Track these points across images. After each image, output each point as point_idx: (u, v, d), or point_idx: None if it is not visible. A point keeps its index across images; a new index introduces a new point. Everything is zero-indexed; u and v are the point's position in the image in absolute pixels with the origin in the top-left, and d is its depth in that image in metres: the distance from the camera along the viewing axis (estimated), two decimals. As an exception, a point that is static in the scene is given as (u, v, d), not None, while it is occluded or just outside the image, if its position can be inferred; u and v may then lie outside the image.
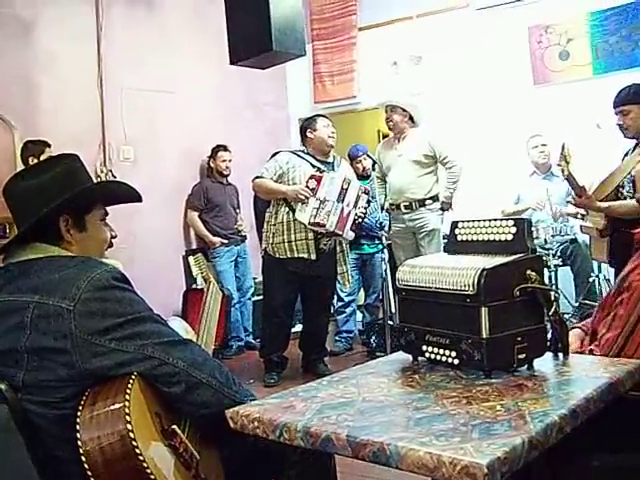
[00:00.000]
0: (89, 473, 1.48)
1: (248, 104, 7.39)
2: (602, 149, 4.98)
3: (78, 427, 1.51)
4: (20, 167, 4.90)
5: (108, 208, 1.92)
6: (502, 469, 1.20)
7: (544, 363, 1.81)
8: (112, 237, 1.94)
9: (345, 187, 4.99)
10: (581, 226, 4.62)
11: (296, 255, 5.01)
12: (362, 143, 6.58)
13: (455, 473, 1.20)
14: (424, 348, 1.86)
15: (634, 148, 4.03)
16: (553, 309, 1.79)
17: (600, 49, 6.14)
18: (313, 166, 5.07)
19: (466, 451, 1.22)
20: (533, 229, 4.67)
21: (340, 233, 5.00)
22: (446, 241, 2.14)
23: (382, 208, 5.53)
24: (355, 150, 6.40)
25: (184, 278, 6.52)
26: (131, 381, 1.57)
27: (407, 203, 5.53)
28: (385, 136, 6.20)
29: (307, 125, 5.21)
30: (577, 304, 5.63)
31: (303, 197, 4.88)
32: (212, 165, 6.59)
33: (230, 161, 6.54)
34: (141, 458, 1.47)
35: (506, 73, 6.51)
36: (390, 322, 5.05)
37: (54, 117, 5.60)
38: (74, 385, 1.57)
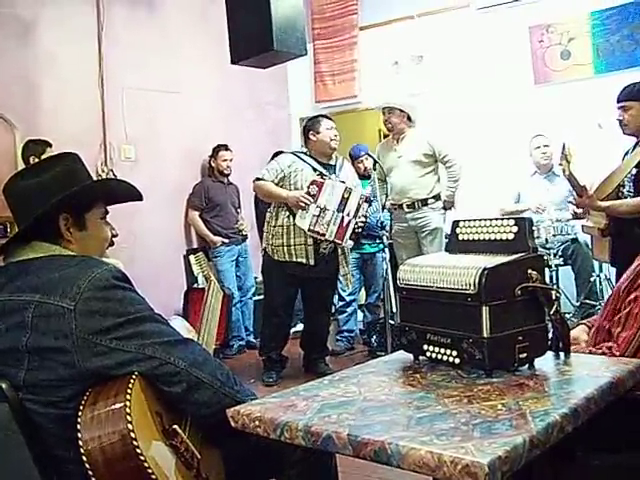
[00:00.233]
0: (90, 473, 1.48)
1: (249, 104, 7.39)
2: (603, 149, 4.98)
3: (79, 426, 1.51)
4: (21, 167, 4.90)
5: (109, 208, 1.91)
6: (503, 468, 1.20)
7: (545, 362, 1.81)
8: (113, 236, 1.93)
9: (346, 196, 4.95)
10: (582, 226, 4.61)
11: (294, 259, 5.00)
12: (363, 143, 6.58)
13: (456, 472, 1.20)
14: (425, 347, 1.86)
15: (634, 147, 4.03)
16: (554, 308, 1.79)
17: (601, 48, 6.13)
18: (315, 170, 5.03)
19: (467, 450, 1.22)
20: (534, 228, 4.68)
21: (339, 242, 5.00)
22: (447, 241, 2.13)
23: (383, 208, 5.52)
24: (357, 150, 6.40)
25: (185, 277, 6.52)
26: (132, 381, 1.57)
27: (410, 203, 5.53)
28: (386, 136, 6.19)
29: (310, 126, 5.16)
30: (578, 304, 5.63)
31: (303, 205, 4.86)
32: (213, 165, 6.59)
33: (231, 160, 6.54)
34: (142, 458, 1.47)
35: (507, 72, 6.51)
36: (391, 321, 5.05)
37: (55, 117, 5.60)
38: (75, 385, 1.57)
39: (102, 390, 1.56)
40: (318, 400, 1.60)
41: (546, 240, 5.41)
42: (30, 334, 1.56)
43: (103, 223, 1.87)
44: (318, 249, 5.00)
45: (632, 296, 2.03)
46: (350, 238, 5.07)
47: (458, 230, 2.01)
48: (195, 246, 6.73)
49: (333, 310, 6.47)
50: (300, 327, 5.94)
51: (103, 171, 5.95)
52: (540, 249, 5.08)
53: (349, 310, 6.35)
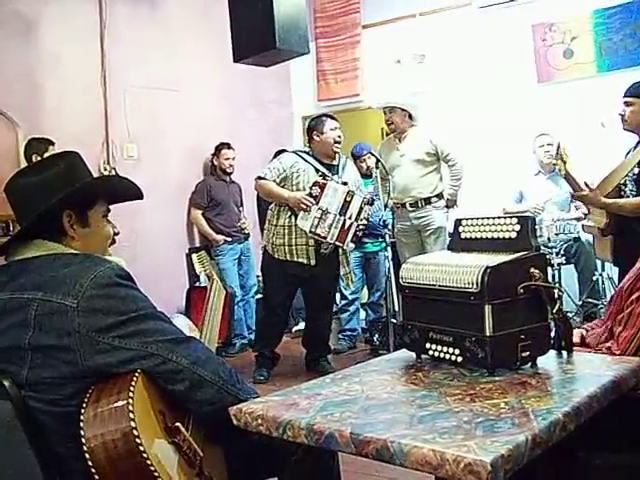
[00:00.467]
0: (93, 470, 1.48)
1: (252, 102, 7.39)
2: (606, 147, 4.97)
3: (82, 424, 1.51)
4: (23, 165, 4.90)
5: (111, 207, 1.92)
6: (505, 466, 1.20)
7: (548, 361, 1.81)
8: (115, 234, 1.94)
9: (348, 200, 4.92)
10: (583, 225, 4.61)
11: (295, 259, 5.00)
12: (366, 141, 6.56)
13: (459, 470, 1.20)
14: (427, 346, 1.86)
15: (636, 146, 4.03)
16: (556, 307, 1.79)
17: (604, 47, 6.12)
18: (317, 171, 5.01)
19: (470, 448, 1.22)
20: (537, 227, 4.68)
21: (340, 245, 5.00)
22: (450, 239, 2.13)
23: (385, 207, 5.52)
24: (359, 149, 6.39)
25: (187, 276, 6.53)
26: (135, 378, 1.57)
27: (413, 201, 5.53)
28: (389, 134, 6.19)
29: (314, 126, 5.12)
30: (580, 302, 5.63)
31: (304, 207, 4.85)
32: (216, 163, 6.59)
33: (234, 159, 6.54)
34: (145, 455, 1.47)
35: (510, 71, 6.50)
36: (393, 320, 5.05)
37: (57, 115, 5.60)
38: (77, 382, 1.57)
39: (105, 388, 1.56)
40: (320, 398, 1.60)
41: (548, 239, 5.41)
42: (33, 332, 1.56)
43: (105, 221, 1.88)
44: (319, 249, 5.00)
45: (634, 296, 2.03)
46: (351, 241, 5.07)
47: (461, 229, 2.01)
48: (197, 244, 6.73)
49: (335, 309, 6.47)
50: (302, 326, 5.94)
51: (105, 169, 5.95)
52: (542, 248, 5.08)
53: (351, 309, 6.35)
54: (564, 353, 1.87)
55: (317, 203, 4.85)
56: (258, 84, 7.30)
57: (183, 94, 6.63)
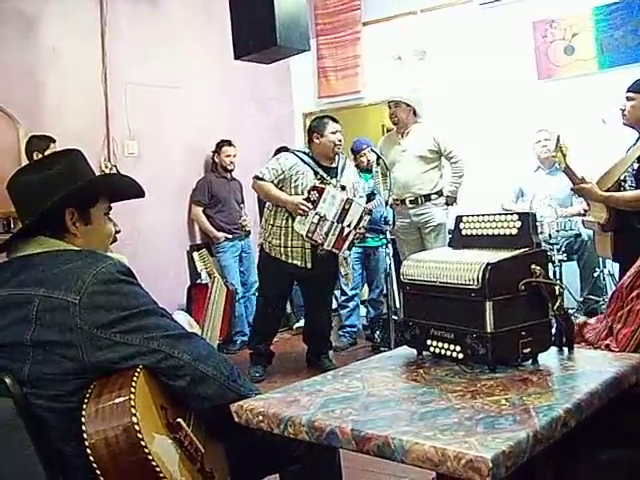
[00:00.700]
0: (95, 466, 1.48)
1: (252, 99, 7.39)
2: (607, 144, 4.96)
3: (83, 420, 1.51)
4: (24, 162, 4.90)
5: (112, 205, 1.92)
6: (507, 463, 1.20)
7: (549, 357, 1.81)
8: (116, 232, 1.94)
9: (346, 207, 4.90)
10: (583, 220, 4.61)
11: (290, 261, 5.00)
12: (366, 138, 6.56)
13: (460, 467, 1.20)
14: (428, 342, 1.86)
15: (636, 141, 4.03)
16: (558, 303, 1.78)
17: (605, 44, 6.11)
18: (316, 173, 4.98)
19: (471, 445, 1.22)
20: (538, 224, 4.67)
21: (336, 252, 4.99)
22: (450, 236, 2.13)
23: (386, 203, 5.52)
24: (359, 143, 6.39)
25: (188, 273, 6.54)
26: (136, 374, 1.57)
27: (412, 198, 5.53)
28: (389, 131, 6.19)
29: (315, 127, 5.08)
30: (582, 299, 5.63)
31: (302, 212, 4.83)
32: (216, 160, 6.59)
33: (234, 156, 6.54)
34: (146, 451, 1.47)
35: (510, 68, 6.49)
36: (394, 317, 5.05)
37: (58, 113, 5.60)
38: (79, 378, 1.57)
39: (106, 384, 1.57)
40: (321, 395, 1.60)
41: (549, 235, 5.41)
42: (34, 328, 1.57)
43: (107, 218, 1.88)
44: (315, 251, 4.98)
45: (634, 293, 2.03)
46: (348, 248, 5.06)
47: (461, 225, 2.01)
48: (198, 242, 6.73)
49: (335, 305, 6.49)
50: (303, 322, 5.95)
51: (106, 167, 5.94)
52: (544, 244, 5.07)
53: (351, 305, 6.35)
54: (565, 350, 1.87)
55: (315, 208, 4.83)
56: (259, 81, 7.30)
57: (184, 91, 6.63)
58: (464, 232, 2.00)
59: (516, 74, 6.48)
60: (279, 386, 1.73)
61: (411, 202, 5.54)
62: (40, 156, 4.68)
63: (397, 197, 5.58)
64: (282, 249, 5.00)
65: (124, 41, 6.13)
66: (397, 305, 5.17)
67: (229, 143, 6.53)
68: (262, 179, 4.97)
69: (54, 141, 4.94)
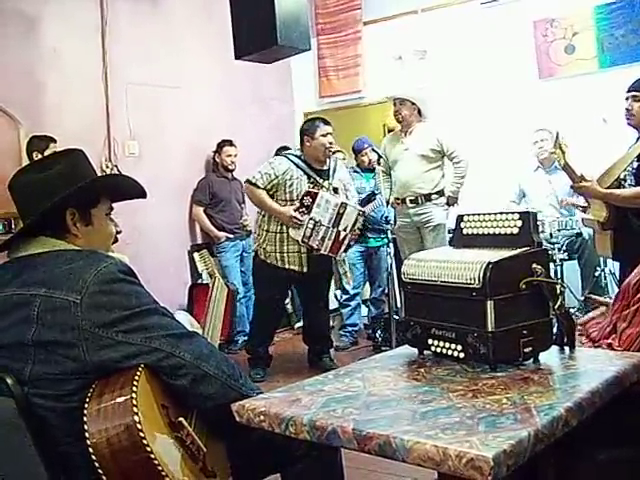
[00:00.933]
0: (97, 465, 1.48)
1: (253, 99, 7.39)
2: (607, 143, 4.96)
3: (85, 419, 1.51)
4: (25, 162, 4.91)
5: (114, 205, 1.92)
6: (508, 462, 1.20)
7: (550, 356, 1.81)
8: (117, 232, 1.94)
9: (341, 212, 4.89)
10: (583, 219, 4.61)
11: (286, 266, 4.98)
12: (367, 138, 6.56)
13: (461, 466, 1.20)
14: (430, 342, 1.86)
15: (636, 141, 4.03)
16: (559, 303, 1.78)
17: (606, 43, 6.11)
18: (309, 177, 4.96)
19: (472, 444, 1.23)
20: (538, 223, 4.67)
21: (333, 255, 4.99)
22: (451, 235, 2.13)
23: (387, 203, 5.52)
24: (360, 143, 6.38)
25: (189, 273, 6.54)
26: (138, 373, 1.57)
27: (413, 197, 5.51)
28: (390, 130, 6.18)
29: (306, 130, 5.06)
30: (583, 298, 5.63)
31: (297, 224, 4.81)
32: (217, 160, 6.60)
33: (235, 156, 6.54)
34: (149, 450, 1.47)
35: (511, 67, 6.49)
36: (396, 316, 5.05)
37: (59, 113, 5.60)
38: (81, 378, 1.57)
39: (108, 383, 1.57)
40: (323, 395, 1.60)
41: (550, 235, 5.41)
42: (36, 328, 1.57)
43: (108, 219, 1.88)
44: (311, 254, 4.98)
45: None
46: (344, 251, 5.05)
47: (462, 224, 2.01)
48: (199, 242, 6.73)
49: (337, 304, 6.49)
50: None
51: (107, 167, 5.95)
52: (544, 243, 5.07)
53: (352, 304, 6.34)
54: (566, 349, 1.87)
55: (309, 213, 4.82)
56: (259, 81, 7.30)
57: (184, 91, 6.63)
58: (465, 231, 2.00)
59: (517, 73, 6.48)
60: (280, 386, 1.73)
61: (411, 201, 5.52)
62: (40, 156, 4.69)
63: (398, 196, 5.57)
64: (278, 255, 4.98)
65: (124, 41, 6.13)
66: (398, 304, 5.16)
67: (230, 143, 6.54)
68: (255, 184, 4.92)
69: (54, 141, 4.94)
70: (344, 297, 6.35)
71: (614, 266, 5.28)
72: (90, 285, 1.58)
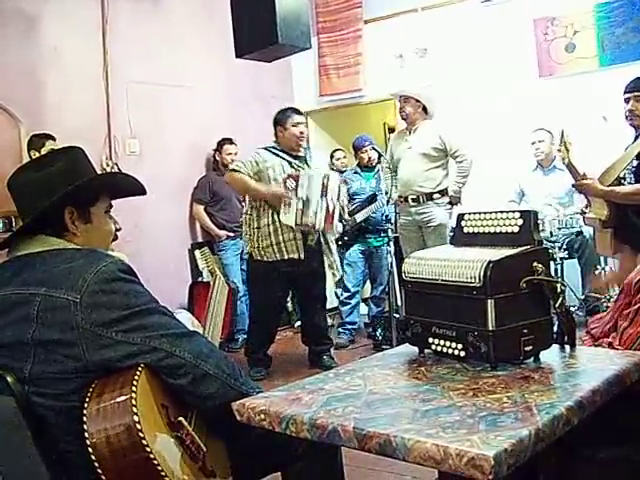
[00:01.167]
0: (96, 465, 1.48)
1: (254, 97, 7.39)
2: (608, 141, 4.96)
3: (85, 419, 1.51)
4: (26, 161, 4.90)
5: (113, 202, 1.92)
6: (509, 461, 1.20)
7: (550, 355, 1.81)
8: (117, 230, 1.94)
9: (326, 182, 4.88)
10: (584, 217, 4.61)
11: (286, 256, 4.95)
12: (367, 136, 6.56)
13: (462, 465, 1.20)
14: (430, 340, 1.86)
15: (635, 139, 4.03)
16: (559, 301, 1.78)
17: (606, 41, 6.11)
18: (290, 164, 4.98)
19: (473, 443, 1.22)
20: (539, 221, 4.67)
21: (330, 230, 4.99)
22: (452, 234, 2.13)
23: (388, 201, 5.51)
24: (361, 140, 6.38)
25: (190, 271, 6.54)
26: (138, 373, 1.57)
27: (415, 196, 5.49)
28: (391, 129, 6.19)
29: (278, 120, 5.12)
30: (583, 297, 5.63)
31: (286, 200, 4.79)
32: (218, 158, 6.60)
33: (236, 154, 6.53)
34: (148, 449, 1.47)
35: (512, 65, 6.49)
36: (396, 315, 5.04)
37: (60, 111, 5.60)
38: (81, 377, 1.57)
39: (108, 382, 1.57)
40: (323, 393, 1.60)
41: (551, 233, 5.41)
42: (36, 327, 1.57)
43: (107, 217, 1.88)
44: (306, 241, 4.97)
45: None
46: (339, 221, 5.05)
47: (463, 223, 2.01)
48: (200, 240, 6.73)
49: (337, 302, 6.49)
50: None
51: (108, 165, 5.95)
52: (545, 242, 5.08)
53: (352, 302, 6.34)
54: (567, 347, 1.87)
55: (296, 195, 4.81)
56: (260, 79, 7.29)
57: (185, 89, 6.63)
58: (466, 230, 1.99)
59: (517, 72, 6.48)
60: (281, 384, 1.73)
61: (413, 200, 5.49)
62: (37, 154, 4.69)
63: (400, 194, 5.55)
64: (275, 247, 4.95)
65: (125, 39, 6.13)
66: (399, 303, 5.16)
67: (230, 141, 6.54)
68: (239, 171, 4.92)
69: (51, 138, 4.93)
70: (344, 295, 6.36)
71: (614, 265, 5.28)
72: (90, 284, 1.58)
